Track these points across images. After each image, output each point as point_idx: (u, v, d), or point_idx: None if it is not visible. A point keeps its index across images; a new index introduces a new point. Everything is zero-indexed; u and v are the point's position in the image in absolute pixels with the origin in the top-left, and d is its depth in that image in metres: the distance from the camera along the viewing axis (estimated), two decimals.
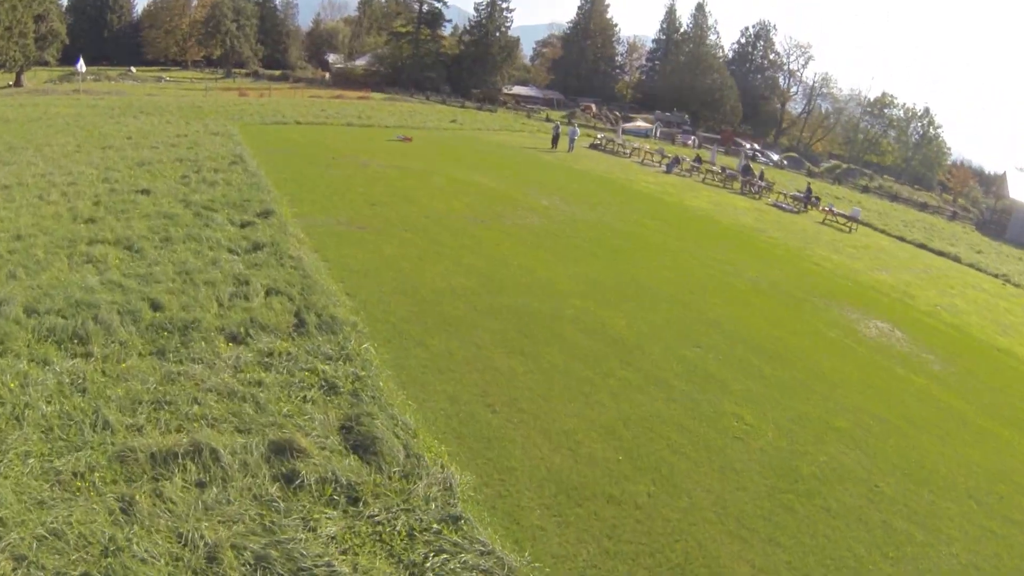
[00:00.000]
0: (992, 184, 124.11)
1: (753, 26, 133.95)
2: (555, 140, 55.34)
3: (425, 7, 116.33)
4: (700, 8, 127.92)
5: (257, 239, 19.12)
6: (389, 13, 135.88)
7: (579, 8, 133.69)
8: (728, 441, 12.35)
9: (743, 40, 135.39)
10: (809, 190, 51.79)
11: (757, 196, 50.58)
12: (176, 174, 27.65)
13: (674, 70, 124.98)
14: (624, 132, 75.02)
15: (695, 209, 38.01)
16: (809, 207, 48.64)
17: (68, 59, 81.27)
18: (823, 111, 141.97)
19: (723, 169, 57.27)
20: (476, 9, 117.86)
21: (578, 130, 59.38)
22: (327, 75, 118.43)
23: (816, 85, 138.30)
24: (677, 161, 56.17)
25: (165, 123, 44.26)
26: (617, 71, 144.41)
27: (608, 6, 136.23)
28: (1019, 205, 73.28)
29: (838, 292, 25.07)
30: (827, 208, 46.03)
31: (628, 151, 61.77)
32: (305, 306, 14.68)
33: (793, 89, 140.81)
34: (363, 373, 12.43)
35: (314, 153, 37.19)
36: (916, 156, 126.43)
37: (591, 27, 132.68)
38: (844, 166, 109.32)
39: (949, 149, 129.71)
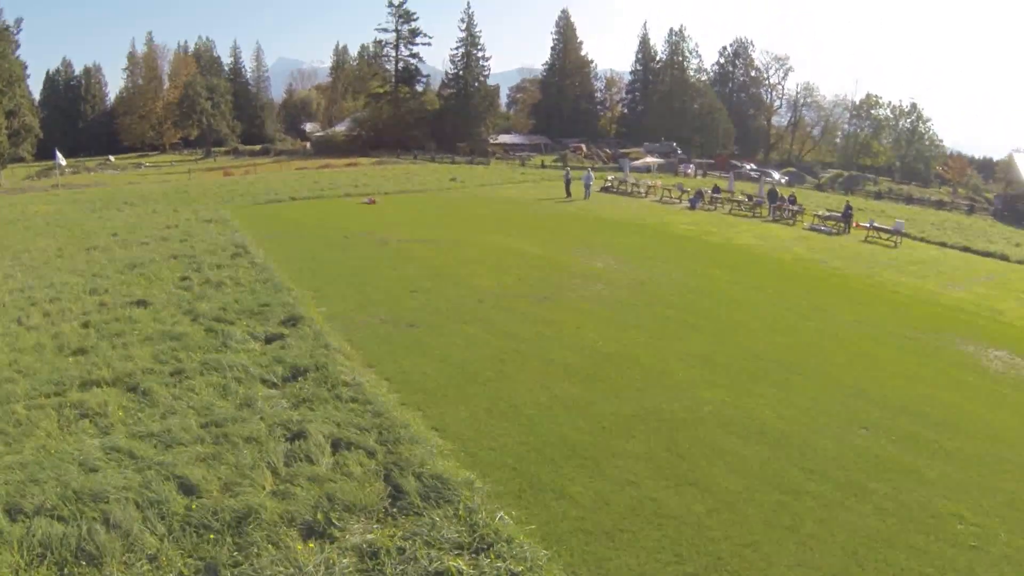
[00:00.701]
0: (993, 170, 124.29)
1: (730, 44, 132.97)
2: (568, 188, 52.27)
3: (400, 64, 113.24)
4: (680, 33, 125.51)
5: (294, 361, 15.07)
6: (362, 76, 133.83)
7: (552, 48, 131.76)
8: (966, 554, 9.87)
9: (722, 60, 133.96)
10: (848, 208, 47.71)
11: (791, 222, 47.28)
12: (174, 276, 23.83)
13: (661, 98, 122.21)
14: (632, 170, 70.91)
15: (747, 248, 35.20)
16: (850, 226, 45.20)
17: (44, 153, 78.23)
18: (808, 121, 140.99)
19: (749, 197, 53.84)
20: (452, 61, 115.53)
21: (592, 175, 54.79)
22: (307, 145, 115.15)
23: (799, 96, 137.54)
24: (700, 195, 52.74)
25: (151, 213, 40.61)
26: (598, 107, 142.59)
27: (581, 43, 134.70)
28: None
29: (935, 321, 23.42)
30: (869, 224, 43.37)
31: (643, 191, 58.50)
32: (395, 464, 10.78)
33: (777, 103, 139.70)
34: (519, 569, 8.45)
35: (322, 233, 33.57)
36: (909, 152, 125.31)
37: (567, 66, 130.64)
38: (845, 174, 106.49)
39: (941, 141, 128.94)
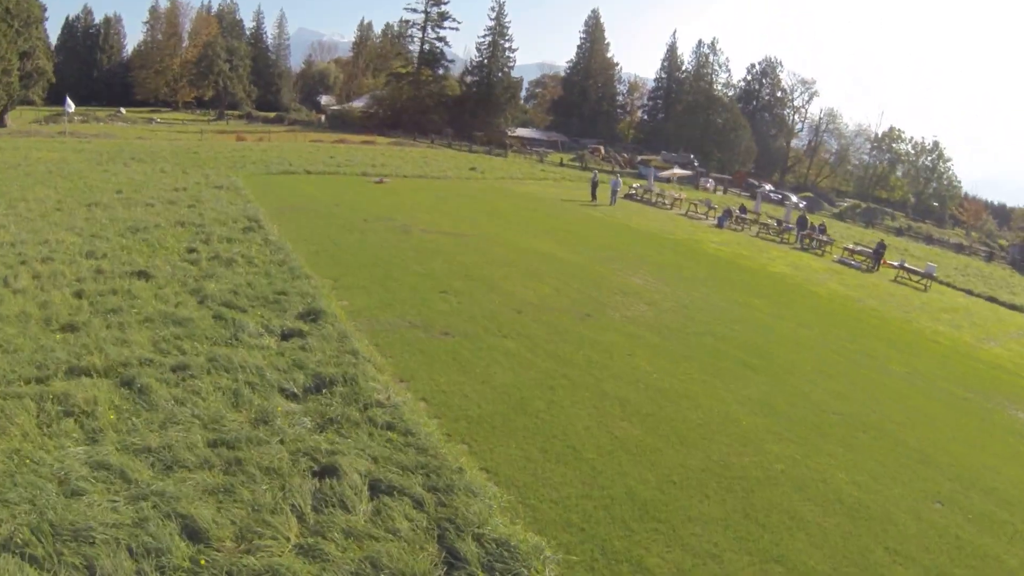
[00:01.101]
0: (1008, 217, 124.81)
1: (759, 63, 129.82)
2: (594, 191, 50.59)
3: (426, 46, 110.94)
4: (712, 46, 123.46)
5: (317, 368, 13.09)
6: (384, 54, 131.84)
7: (579, 47, 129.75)
8: None
9: (749, 77, 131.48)
10: (882, 245, 45.68)
11: (819, 252, 45.50)
12: (180, 246, 21.98)
13: (686, 108, 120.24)
14: (656, 180, 69.04)
15: (781, 277, 33.39)
16: (879, 264, 43.76)
17: (55, 99, 75.64)
18: (828, 148, 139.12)
19: (778, 222, 52.47)
20: (478, 49, 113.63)
21: (620, 181, 52.44)
22: (323, 117, 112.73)
23: (822, 121, 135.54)
24: (729, 214, 50.84)
25: (159, 172, 38.64)
26: (619, 111, 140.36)
27: (608, 44, 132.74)
28: None
29: (980, 381, 22.02)
30: (899, 264, 42.14)
31: (668, 203, 56.86)
32: (449, 521, 8.88)
33: (798, 126, 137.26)
34: None
35: (340, 213, 31.66)
36: (926, 190, 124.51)
37: (592, 66, 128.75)
38: (864, 205, 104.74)
39: (959, 183, 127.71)
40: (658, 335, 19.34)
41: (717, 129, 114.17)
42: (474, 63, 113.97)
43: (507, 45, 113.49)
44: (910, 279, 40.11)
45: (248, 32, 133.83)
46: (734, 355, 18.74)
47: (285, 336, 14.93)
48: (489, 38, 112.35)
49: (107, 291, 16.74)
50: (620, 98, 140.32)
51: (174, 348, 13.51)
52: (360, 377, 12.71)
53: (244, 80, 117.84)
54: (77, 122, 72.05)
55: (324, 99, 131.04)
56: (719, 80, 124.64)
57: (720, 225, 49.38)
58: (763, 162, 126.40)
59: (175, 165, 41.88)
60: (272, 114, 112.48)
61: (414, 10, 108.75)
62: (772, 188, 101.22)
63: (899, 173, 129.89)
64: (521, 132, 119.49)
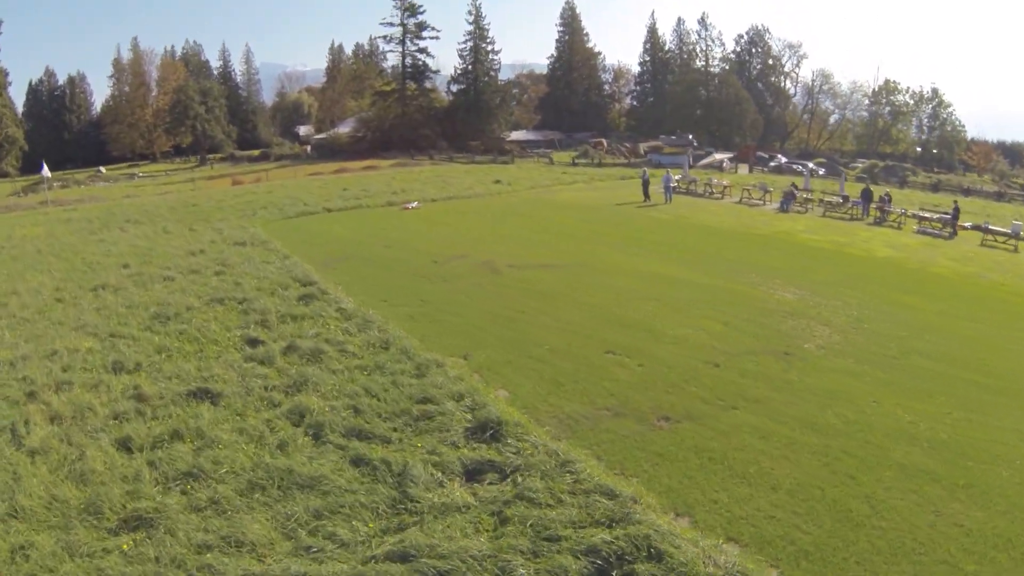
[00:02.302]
0: (1020, 156, 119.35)
1: (747, 32, 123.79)
2: (646, 190, 45.77)
3: (408, 60, 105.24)
4: (702, 21, 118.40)
5: (579, 537, 8.57)
6: (360, 75, 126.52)
7: (558, 41, 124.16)
8: None
9: (738, 48, 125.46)
10: (957, 210, 40.68)
11: (896, 225, 40.36)
12: (232, 336, 17.31)
13: (686, 88, 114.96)
14: (691, 167, 64.12)
15: (898, 263, 28.93)
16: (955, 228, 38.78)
17: (29, 167, 70.12)
18: (825, 109, 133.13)
19: (844, 198, 46.79)
20: (461, 55, 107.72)
21: (673, 176, 48.75)
22: (308, 148, 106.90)
23: (815, 83, 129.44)
24: (792, 197, 45.64)
25: (163, 233, 33.34)
26: (607, 100, 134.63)
27: (587, 35, 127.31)
28: None
29: None
30: (984, 227, 38.01)
31: (719, 192, 51.38)
32: None
33: (792, 91, 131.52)
34: None
35: (398, 256, 27.19)
36: (931, 139, 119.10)
37: (574, 59, 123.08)
38: (882, 164, 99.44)
39: (963, 127, 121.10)
40: (874, 367, 15.90)
41: (720, 105, 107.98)
42: (458, 71, 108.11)
43: (489, 48, 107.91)
44: (996, 241, 35.72)
45: (216, 71, 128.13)
46: (966, 378, 15.52)
47: (473, 473, 10.42)
48: (470, 43, 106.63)
49: (165, 434, 11.93)
50: (606, 87, 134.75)
51: (328, 547, 8.31)
52: (658, 539, 8.21)
53: (222, 121, 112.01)
54: (57, 188, 66.04)
55: (303, 130, 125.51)
56: (714, 55, 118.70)
57: (784, 209, 44.25)
58: (763, 132, 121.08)
59: (178, 222, 36.56)
60: (256, 152, 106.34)
61: (390, 24, 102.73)
62: (785, 159, 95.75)
63: (900, 126, 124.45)
64: (517, 135, 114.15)
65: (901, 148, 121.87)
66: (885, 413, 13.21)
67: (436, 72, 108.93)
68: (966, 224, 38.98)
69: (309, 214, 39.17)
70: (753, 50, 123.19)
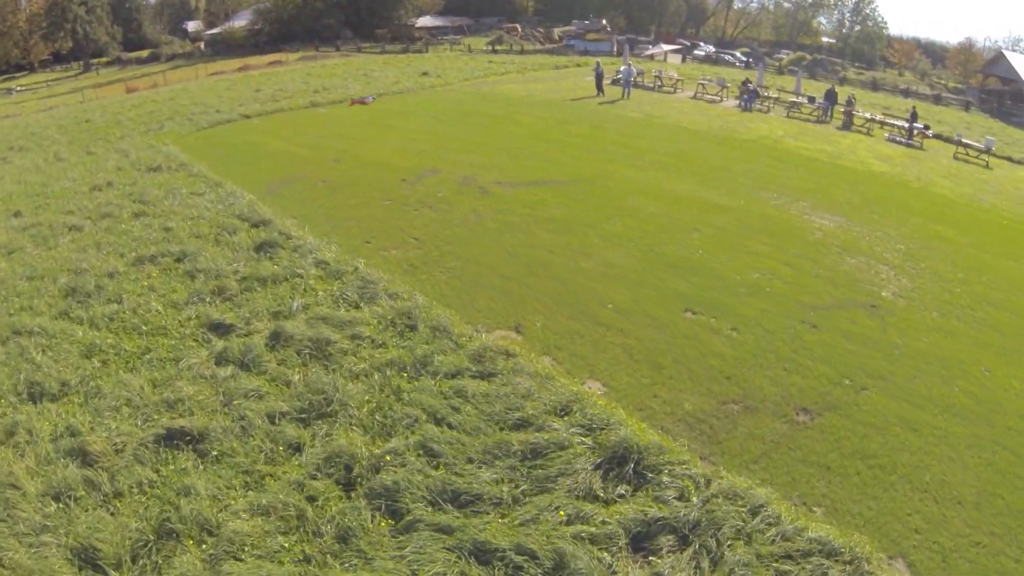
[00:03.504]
0: (942, 56, 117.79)
1: None
2: (600, 84, 41.92)
3: None
4: None
5: None
6: None
7: None
8: None
9: None
10: (914, 115, 39.22)
11: (866, 131, 38.02)
12: (181, 318, 12.91)
13: None
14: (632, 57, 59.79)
15: (900, 182, 26.40)
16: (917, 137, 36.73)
17: None
18: None
19: (810, 99, 43.47)
20: None
21: (633, 70, 44.19)
22: (201, 45, 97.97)
23: None
24: (756, 95, 42.46)
25: (57, 162, 27.06)
26: None
27: None
28: None
29: None
30: (957, 139, 35.97)
31: (671, 86, 47.42)
32: None
33: None
34: None
35: (356, 174, 22.58)
36: (853, 33, 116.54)
37: None
38: (810, 57, 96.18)
39: (885, 23, 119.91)
40: (961, 323, 14.22)
41: None
42: None
43: None
44: (968, 155, 34.13)
45: None
46: None
47: (640, 540, 7.79)
48: None
49: (148, 532, 8.10)
50: None
51: None
52: None
53: (104, 21, 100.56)
54: None
55: (192, 26, 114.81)
56: None
57: (747, 108, 41.13)
58: (677, 19, 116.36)
59: (71, 145, 30.34)
60: (144, 53, 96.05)
61: None
62: (714, 48, 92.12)
63: (821, 18, 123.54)
64: (425, 21, 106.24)
65: (819, 40, 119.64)
66: (1003, 386, 11.85)
67: None
68: (928, 132, 37.09)
69: (225, 122, 33.31)
70: None
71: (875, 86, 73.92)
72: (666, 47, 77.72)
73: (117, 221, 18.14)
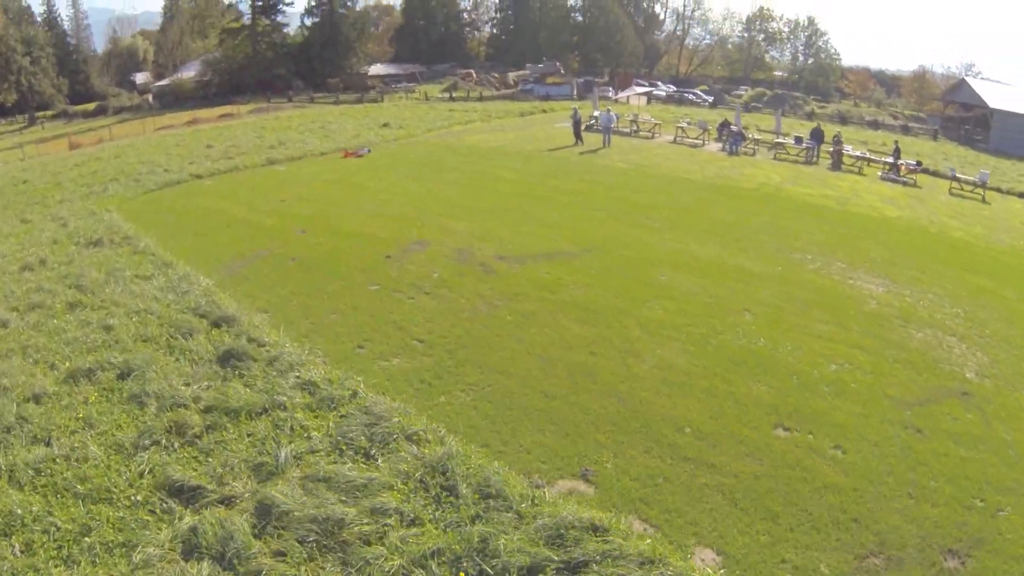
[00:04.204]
0: (898, 86, 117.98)
1: None
2: (579, 131, 39.28)
3: None
4: None
5: None
6: (200, 14, 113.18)
7: None
8: None
9: None
10: (897, 151, 38.38)
11: (858, 170, 37.11)
12: (131, 474, 9.56)
13: (563, 13, 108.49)
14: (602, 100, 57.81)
15: (916, 227, 25.50)
16: (906, 172, 35.85)
17: None
18: (696, 35, 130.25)
19: (797, 139, 42.04)
20: None
21: (614, 116, 41.79)
22: (149, 97, 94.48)
23: (687, 9, 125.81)
24: (741, 137, 40.74)
25: None
26: (467, 29, 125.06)
27: None
28: (1002, 114, 66.18)
29: None
30: (951, 174, 35.31)
31: (648, 131, 45.47)
32: None
33: (662, 16, 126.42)
34: None
35: (334, 247, 19.50)
36: (807, 66, 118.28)
37: None
38: (770, 92, 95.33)
39: (838, 55, 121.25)
40: None
41: (600, 31, 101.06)
42: (312, 3, 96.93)
43: None
44: (963, 190, 33.68)
45: (40, 18, 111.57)
46: None
47: None
48: None
49: None
50: (465, 15, 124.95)
51: None
52: None
53: (50, 73, 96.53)
54: None
55: (140, 78, 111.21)
56: None
57: (732, 151, 39.32)
58: (629, 59, 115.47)
59: (6, 210, 26.91)
60: (91, 106, 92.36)
61: None
62: (674, 87, 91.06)
63: (774, 53, 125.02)
64: (377, 69, 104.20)
65: (774, 75, 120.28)
66: None
67: (290, 4, 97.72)
68: (919, 168, 36.58)
69: (175, 183, 30.02)
70: None
71: (843, 119, 73.19)
72: (639, 89, 75.82)
73: (48, 314, 14.83)
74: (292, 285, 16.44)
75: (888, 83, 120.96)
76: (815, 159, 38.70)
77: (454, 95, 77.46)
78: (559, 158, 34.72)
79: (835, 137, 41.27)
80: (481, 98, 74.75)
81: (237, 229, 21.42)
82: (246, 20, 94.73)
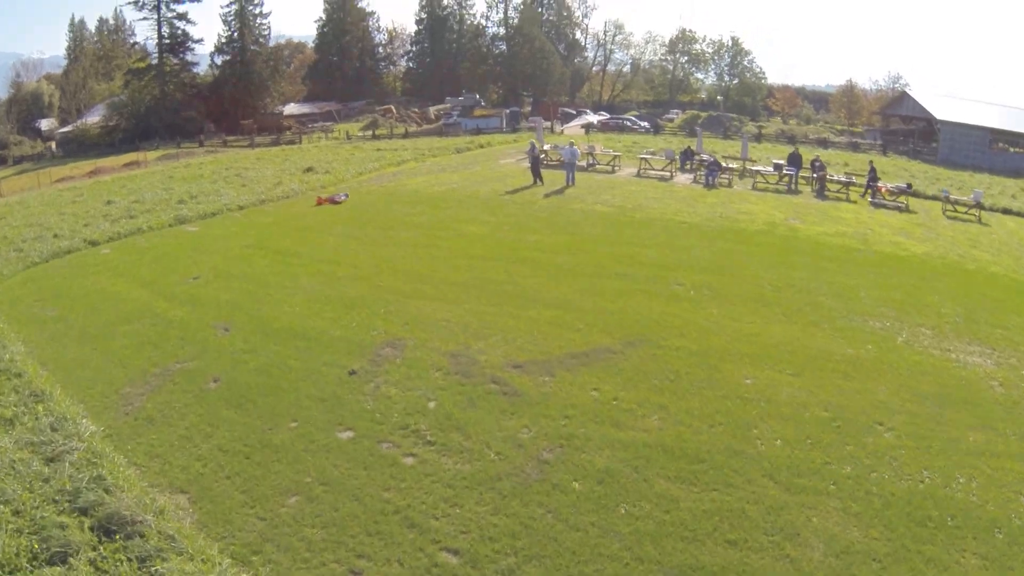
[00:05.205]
0: (826, 102, 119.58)
1: None
2: (538, 170, 34.86)
3: (165, 29, 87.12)
4: None
5: None
6: (107, 54, 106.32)
7: (327, 1, 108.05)
8: None
9: (527, 1, 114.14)
10: (873, 172, 36.10)
11: (845, 197, 34.21)
12: None
13: (485, 43, 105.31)
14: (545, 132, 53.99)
15: (949, 264, 22.75)
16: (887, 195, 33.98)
17: None
18: (618, 60, 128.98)
19: (777, 167, 38.22)
20: (224, 21, 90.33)
21: (578, 151, 37.02)
22: (52, 145, 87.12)
23: (608, 34, 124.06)
24: (718, 166, 36.69)
25: None
26: (383, 64, 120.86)
27: None
28: (949, 125, 66.26)
29: None
30: (944, 195, 33.58)
31: (607, 164, 41.21)
32: None
33: (583, 43, 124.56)
34: None
35: (273, 357, 14.09)
36: (732, 86, 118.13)
37: (346, 21, 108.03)
38: (704, 115, 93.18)
39: (763, 74, 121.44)
40: None
41: (525, 60, 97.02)
42: (223, 39, 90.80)
43: (258, 11, 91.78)
44: (958, 211, 32.15)
45: None
46: None
47: None
48: (235, 5, 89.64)
49: None
50: (380, 50, 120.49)
51: None
52: None
53: None
54: None
55: (44, 123, 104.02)
56: (513, 5, 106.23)
57: (710, 184, 35.42)
58: (556, 87, 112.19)
59: None
60: None
61: None
62: (608, 115, 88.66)
63: (698, 75, 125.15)
64: (292, 109, 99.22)
65: (698, 96, 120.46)
66: None
67: (199, 41, 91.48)
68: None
69: (65, 253, 24.29)
70: (545, 1, 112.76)
71: (791, 139, 70.73)
72: (591, 118, 72.36)
73: None
74: (220, 434, 11.17)
75: (815, 99, 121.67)
76: (795, 186, 35.69)
77: (377, 133, 73.12)
78: (525, 203, 29.88)
79: (814, 162, 37.98)
80: (407, 135, 70.63)
81: (138, 326, 15.89)
82: (153, 59, 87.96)
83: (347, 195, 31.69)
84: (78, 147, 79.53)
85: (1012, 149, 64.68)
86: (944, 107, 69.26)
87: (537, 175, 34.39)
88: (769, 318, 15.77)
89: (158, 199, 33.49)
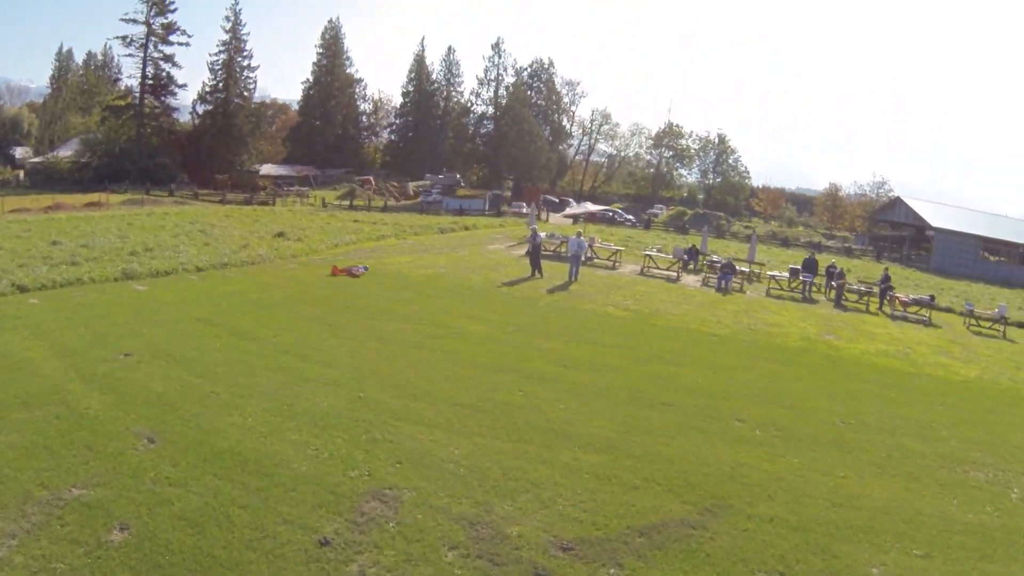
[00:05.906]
0: (810, 204, 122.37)
1: (529, 65, 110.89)
2: (537, 260, 32.58)
3: (150, 69, 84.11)
4: (496, 47, 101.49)
5: None
6: (90, 89, 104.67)
7: (316, 64, 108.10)
8: None
9: (518, 83, 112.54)
10: (887, 279, 35.03)
11: (864, 307, 33.29)
12: None
13: (472, 121, 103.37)
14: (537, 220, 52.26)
15: (996, 388, 20.69)
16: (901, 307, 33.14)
17: None
18: (602, 150, 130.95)
19: (792, 271, 36.96)
20: (211, 70, 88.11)
21: (585, 242, 35.03)
22: (21, 174, 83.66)
23: (594, 123, 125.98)
24: (733, 270, 34.55)
25: None
26: (365, 133, 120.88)
27: (349, 58, 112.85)
28: (944, 233, 67.08)
29: None
30: (968, 310, 32.79)
31: (608, 259, 39.42)
32: None
33: (569, 128, 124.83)
34: None
35: (213, 515, 9.27)
36: (715, 184, 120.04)
37: (333, 85, 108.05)
38: (690, 212, 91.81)
39: (748, 173, 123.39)
40: None
41: (512, 142, 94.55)
42: (208, 87, 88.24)
43: (246, 63, 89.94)
44: (982, 326, 31.36)
45: None
46: None
47: None
48: (224, 55, 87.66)
49: None
50: (364, 119, 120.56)
51: None
52: None
53: None
54: None
55: (19, 151, 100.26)
56: (504, 85, 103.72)
57: (723, 288, 33.57)
58: (541, 173, 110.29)
59: None
60: None
61: (133, 20, 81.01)
62: (595, 206, 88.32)
63: (683, 170, 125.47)
64: (268, 169, 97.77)
65: (682, 193, 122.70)
66: None
67: (183, 86, 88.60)
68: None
69: None
70: (535, 85, 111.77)
71: (785, 242, 71.59)
72: (591, 206, 72.25)
73: None
74: None
75: (799, 201, 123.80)
76: (809, 293, 34.37)
77: (354, 203, 71.25)
78: (527, 299, 26.56)
79: (830, 269, 36.95)
80: (386, 208, 69.23)
81: (38, 416, 11.58)
82: (134, 99, 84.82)
83: (367, 268, 28.83)
84: (46, 179, 76.87)
85: (993, 258, 65.85)
86: (938, 214, 70.44)
87: (536, 266, 32.05)
88: (861, 470, 12.46)
89: (110, 247, 30.06)
